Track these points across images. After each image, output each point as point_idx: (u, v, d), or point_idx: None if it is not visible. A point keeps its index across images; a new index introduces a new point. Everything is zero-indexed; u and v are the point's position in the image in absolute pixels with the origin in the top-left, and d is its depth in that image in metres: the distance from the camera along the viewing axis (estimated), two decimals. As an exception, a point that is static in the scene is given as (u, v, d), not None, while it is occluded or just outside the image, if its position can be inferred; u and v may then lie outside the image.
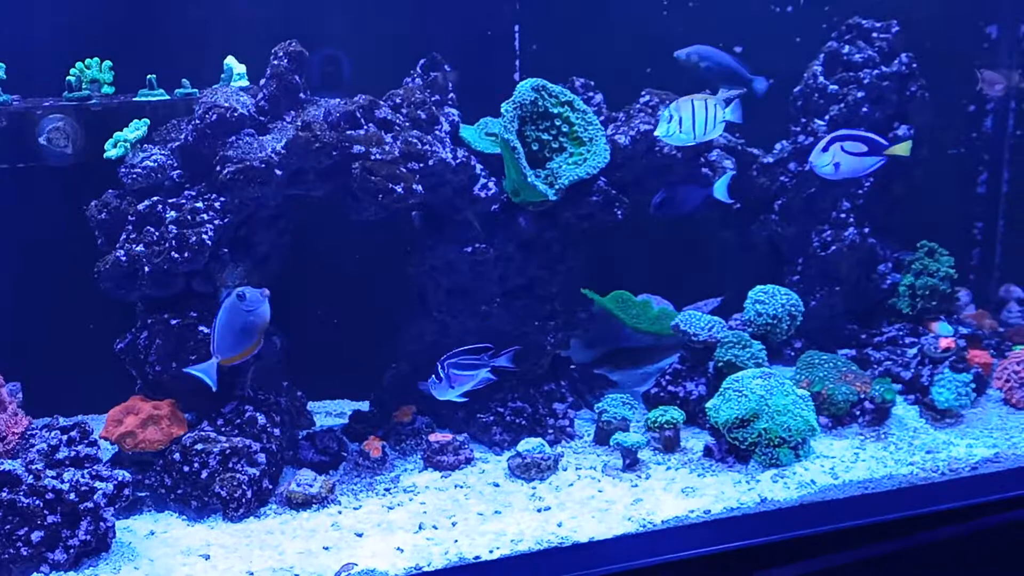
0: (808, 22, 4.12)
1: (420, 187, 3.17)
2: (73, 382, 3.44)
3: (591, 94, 3.69)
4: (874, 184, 3.77)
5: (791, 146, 3.81)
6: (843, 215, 3.76)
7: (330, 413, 3.85)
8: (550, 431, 3.49)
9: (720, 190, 3.48)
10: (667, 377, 3.61)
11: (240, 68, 3.46)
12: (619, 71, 3.85)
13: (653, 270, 4.15)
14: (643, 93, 3.68)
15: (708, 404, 3.36)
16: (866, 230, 3.80)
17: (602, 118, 3.63)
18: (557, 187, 3.39)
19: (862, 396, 3.51)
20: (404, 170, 3.15)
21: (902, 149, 3.40)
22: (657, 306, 4.19)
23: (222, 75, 3.48)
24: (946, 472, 3.20)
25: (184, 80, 3.50)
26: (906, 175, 3.85)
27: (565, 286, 3.58)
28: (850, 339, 3.85)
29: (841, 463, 3.26)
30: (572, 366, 3.82)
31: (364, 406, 3.72)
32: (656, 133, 3.31)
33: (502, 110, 3.32)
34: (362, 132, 3.17)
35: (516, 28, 3.88)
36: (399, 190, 3.10)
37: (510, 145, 3.29)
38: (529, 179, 3.30)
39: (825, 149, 3.35)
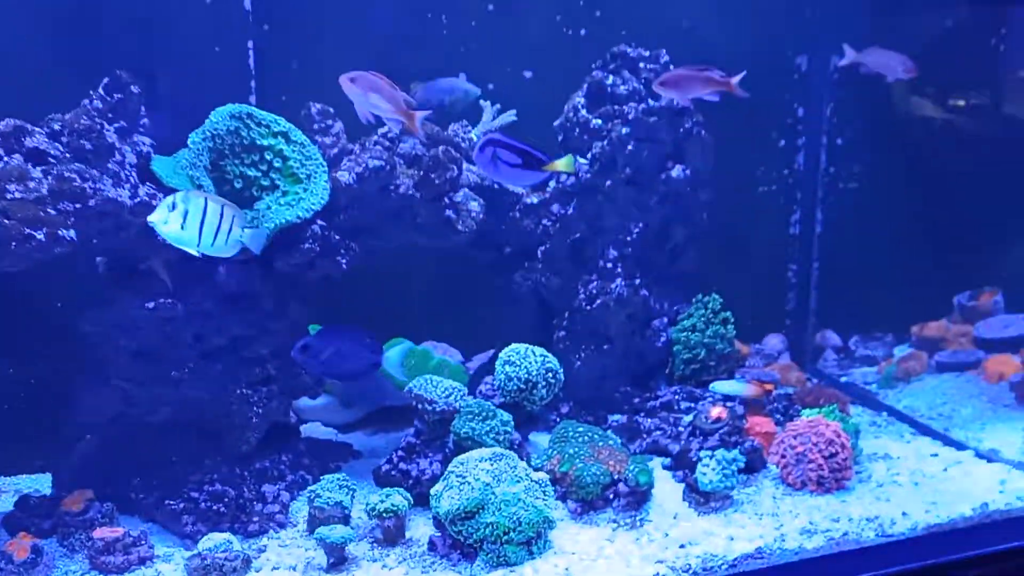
0: (602, 46, 3.68)
1: (73, 233, 2.63)
2: None
3: (329, 122, 3.19)
4: (648, 230, 3.34)
5: (556, 185, 3.35)
6: (610, 264, 3.32)
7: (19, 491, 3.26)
8: (255, 519, 2.97)
9: (394, 363, 3.02)
10: (400, 452, 3.12)
11: None
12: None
13: (432, 319, 3.68)
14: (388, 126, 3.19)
15: (432, 490, 2.89)
16: (637, 281, 3.36)
17: (336, 151, 3.14)
18: (264, 232, 2.90)
19: (616, 477, 3.07)
20: (52, 211, 2.62)
21: (564, 164, 2.92)
22: (438, 356, 3.72)
23: None
24: (698, 572, 2.78)
25: None
26: (688, 220, 3.43)
27: (286, 346, 3.07)
28: (623, 403, 3.41)
29: (581, 561, 2.81)
30: (303, 435, 3.31)
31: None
32: (150, 218, 2.60)
33: (189, 141, 2.82)
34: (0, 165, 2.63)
35: (250, 44, 3.35)
36: (39, 236, 2.57)
37: (195, 183, 2.80)
38: (218, 224, 2.79)
39: (482, 151, 2.87)
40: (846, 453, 3.20)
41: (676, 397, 3.37)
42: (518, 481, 2.89)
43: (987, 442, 3.55)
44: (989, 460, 3.43)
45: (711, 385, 3.25)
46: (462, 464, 2.91)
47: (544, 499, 2.92)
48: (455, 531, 2.81)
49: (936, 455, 3.50)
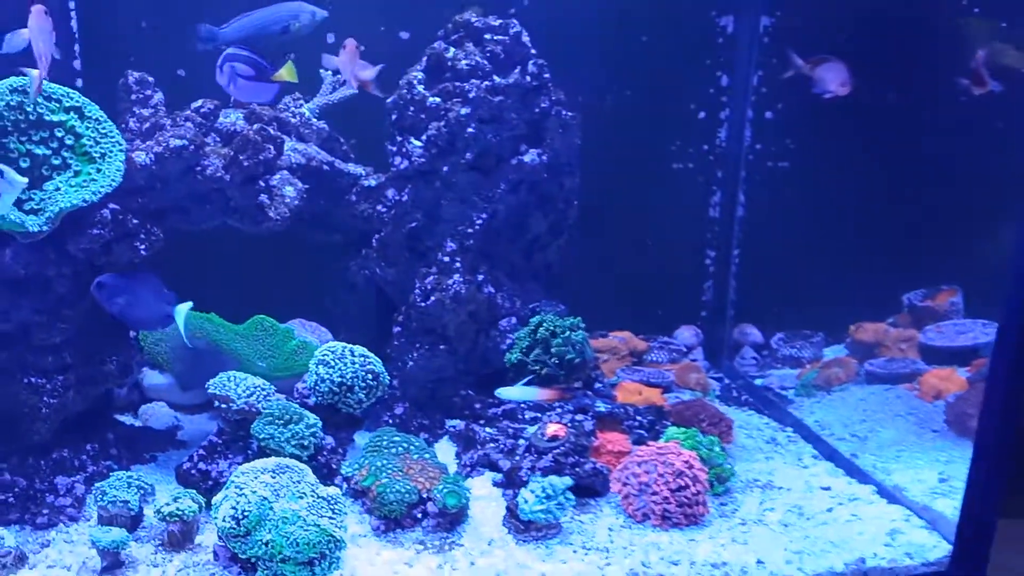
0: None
1: None
2: None
3: (148, 92, 2.96)
4: (496, 220, 3.01)
5: (392, 169, 3.04)
6: (447, 258, 3.01)
7: None
8: (44, 512, 2.85)
9: (181, 318, 2.79)
10: (201, 451, 2.94)
11: None
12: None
13: (276, 305, 3.45)
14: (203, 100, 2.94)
15: (214, 499, 2.71)
16: (480, 277, 3.04)
17: (149, 124, 2.91)
18: (47, 215, 2.72)
19: (424, 496, 2.82)
20: None
21: (287, 72, 2.70)
22: (298, 338, 3.51)
23: None
24: (499, 615, 2.54)
25: None
26: (549, 209, 3.08)
27: (84, 332, 2.90)
28: (463, 409, 3.13)
29: (365, 588, 2.60)
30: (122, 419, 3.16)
31: None
32: None
33: (-38, 118, 2.64)
34: None
35: (72, 5, 3.12)
36: None
37: (-34, 161, 2.62)
38: (-8, 208, 2.62)
39: (220, 68, 2.67)
40: (697, 487, 2.86)
41: (521, 405, 3.06)
42: (301, 497, 2.68)
43: (897, 475, 3.12)
44: (891, 500, 3.01)
45: (497, 391, 2.92)
46: (243, 474, 2.71)
47: (332, 517, 2.70)
48: (233, 545, 2.63)
49: (828, 488, 3.10)
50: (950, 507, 2.85)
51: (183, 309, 2.87)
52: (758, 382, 3.76)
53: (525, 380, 2.98)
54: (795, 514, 2.94)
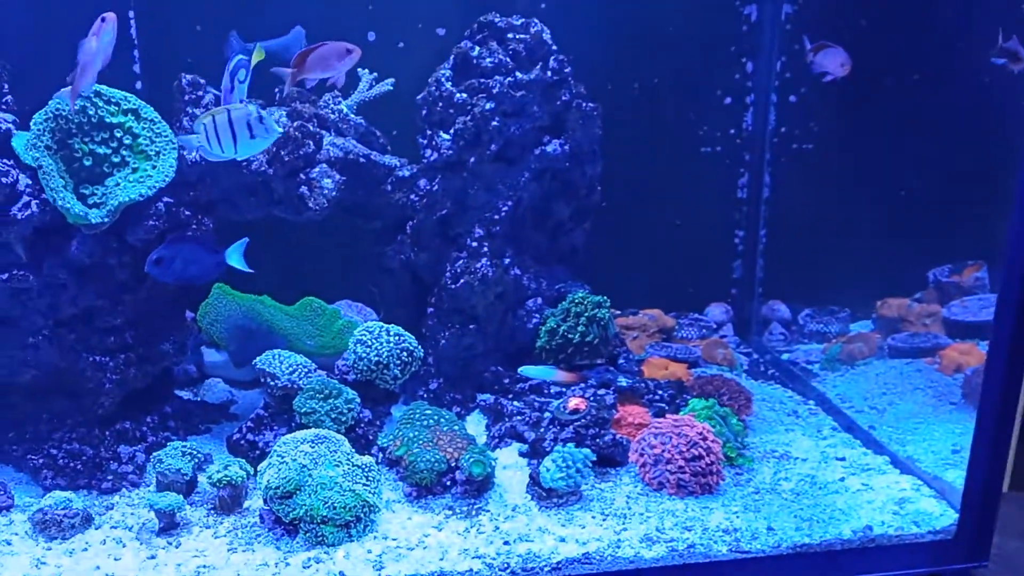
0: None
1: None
2: None
3: (200, 93, 3.20)
4: (521, 207, 3.19)
5: (423, 160, 3.24)
6: (475, 243, 3.20)
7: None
8: (109, 478, 3.14)
9: (236, 256, 2.98)
10: (249, 423, 3.20)
11: None
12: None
13: (321, 287, 3.68)
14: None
15: (260, 466, 2.96)
16: (507, 260, 3.22)
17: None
18: (108, 209, 2.98)
19: (453, 465, 3.03)
20: None
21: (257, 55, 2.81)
22: (344, 318, 3.74)
23: None
24: (517, 572, 2.73)
25: None
26: (572, 196, 3.24)
27: (143, 315, 3.17)
28: (493, 384, 3.33)
29: (396, 548, 2.81)
30: (181, 394, 3.43)
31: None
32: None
33: (32, 122, 2.91)
34: None
35: (131, 13, 3.37)
36: None
37: (36, 163, 2.90)
38: (59, 202, 2.90)
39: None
40: (712, 458, 3.01)
41: (546, 380, 3.24)
42: (337, 465, 2.91)
43: (911, 447, 3.23)
44: (903, 470, 3.12)
45: (520, 369, 3.11)
46: (285, 444, 2.95)
47: (366, 484, 2.93)
48: (276, 509, 2.88)
49: (843, 459, 3.22)
50: (960, 477, 2.91)
51: (234, 249, 3.01)
52: (784, 357, 3.88)
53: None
54: (808, 483, 3.06)
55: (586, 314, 3.18)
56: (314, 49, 2.77)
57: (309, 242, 3.67)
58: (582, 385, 3.21)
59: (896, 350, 3.69)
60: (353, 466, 2.93)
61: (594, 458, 3.00)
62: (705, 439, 3.03)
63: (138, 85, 3.54)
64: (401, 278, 3.41)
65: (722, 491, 3.04)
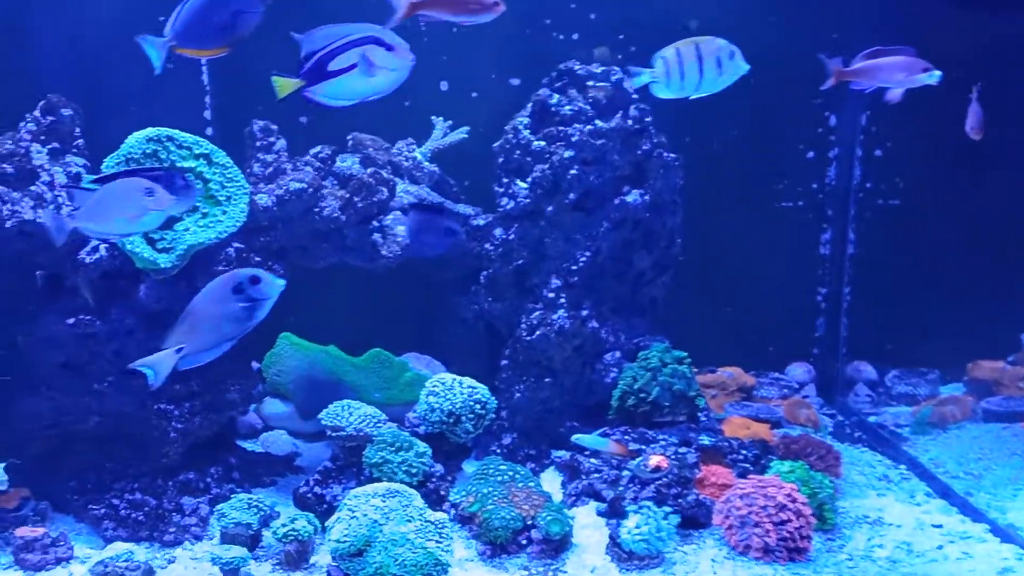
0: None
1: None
2: None
3: (272, 139, 3.17)
4: (600, 257, 3.09)
5: (499, 209, 3.16)
6: (552, 294, 3.10)
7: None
8: (171, 530, 3.04)
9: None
10: (317, 476, 3.09)
11: None
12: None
13: (390, 337, 3.59)
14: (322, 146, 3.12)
15: (328, 521, 2.84)
16: (584, 312, 3.11)
17: (272, 169, 3.11)
18: (177, 253, 2.93)
19: (529, 523, 2.89)
20: (-32, 233, 2.75)
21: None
22: (413, 370, 3.64)
23: None
24: (596, 645, 2.58)
25: None
26: (652, 246, 3.14)
27: (210, 364, 3.08)
28: (567, 439, 3.20)
29: (471, 610, 2.68)
30: (251, 448, 3.33)
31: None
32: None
33: (103, 166, 2.88)
34: (-90, 189, 2.79)
35: (203, 60, 3.35)
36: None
37: (105, 207, 2.86)
38: (127, 246, 2.86)
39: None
40: (801, 521, 2.84)
41: (626, 438, 3.10)
42: (409, 520, 2.78)
43: (1012, 514, 3.04)
44: (1004, 539, 2.93)
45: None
46: (355, 498, 2.83)
47: (439, 541, 2.79)
48: (344, 567, 2.75)
49: (940, 526, 3.04)
50: (1066, 549, 2.76)
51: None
52: (872, 419, 3.71)
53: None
54: (904, 551, 2.89)
55: (667, 369, 3.05)
56: None
57: (377, 291, 3.60)
58: (662, 443, 3.07)
59: (991, 413, 3.52)
60: (426, 522, 2.80)
61: (678, 520, 2.84)
62: (795, 501, 2.86)
63: (209, 131, 3.52)
64: (474, 329, 3.32)
65: (812, 557, 2.86)
